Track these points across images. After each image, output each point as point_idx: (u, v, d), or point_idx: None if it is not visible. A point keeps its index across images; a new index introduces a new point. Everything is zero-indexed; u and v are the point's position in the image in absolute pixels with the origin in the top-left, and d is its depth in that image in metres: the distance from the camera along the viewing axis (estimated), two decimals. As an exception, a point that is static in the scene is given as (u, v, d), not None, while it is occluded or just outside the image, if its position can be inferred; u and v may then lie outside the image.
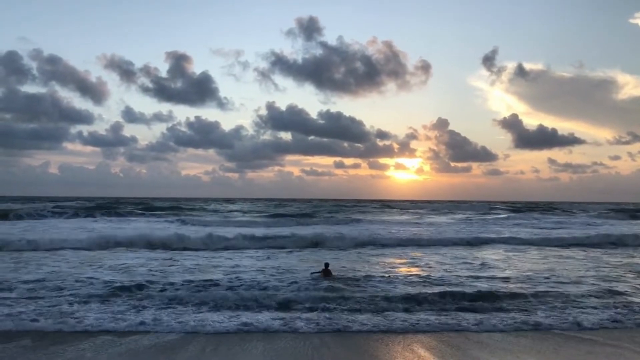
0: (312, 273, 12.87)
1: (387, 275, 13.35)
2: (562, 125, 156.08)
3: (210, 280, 12.42)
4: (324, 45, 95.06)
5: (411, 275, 13.69)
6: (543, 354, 7.55)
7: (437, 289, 11.37)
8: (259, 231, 25.79)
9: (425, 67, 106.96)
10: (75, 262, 15.68)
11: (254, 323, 8.80)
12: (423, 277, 13.22)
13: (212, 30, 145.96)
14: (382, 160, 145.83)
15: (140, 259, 16.51)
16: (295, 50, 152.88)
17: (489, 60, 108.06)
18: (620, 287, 12.23)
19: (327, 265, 12.93)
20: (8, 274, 13.26)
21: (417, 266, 15.69)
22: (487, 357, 7.35)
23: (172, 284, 11.83)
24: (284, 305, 9.95)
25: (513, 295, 10.99)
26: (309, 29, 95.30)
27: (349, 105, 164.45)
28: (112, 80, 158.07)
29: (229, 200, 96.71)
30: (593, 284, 12.44)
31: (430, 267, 15.29)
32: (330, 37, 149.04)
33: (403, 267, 15.59)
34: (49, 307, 9.70)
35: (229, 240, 21.46)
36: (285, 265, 15.36)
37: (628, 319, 9.39)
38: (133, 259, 16.48)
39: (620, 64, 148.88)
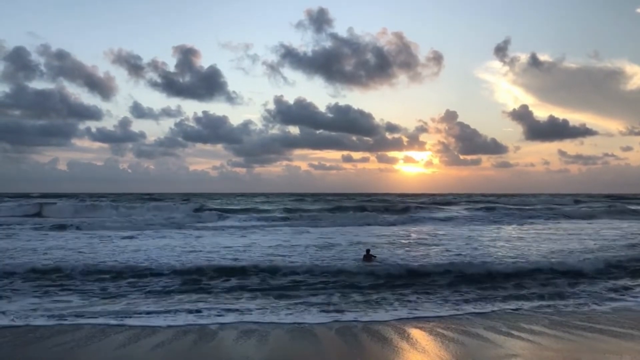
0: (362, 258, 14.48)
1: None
2: (571, 117, 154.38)
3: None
4: (334, 37, 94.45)
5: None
6: None
7: None
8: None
9: (437, 58, 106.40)
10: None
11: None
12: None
13: (221, 23, 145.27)
14: (391, 154, 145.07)
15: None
16: (305, 42, 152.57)
17: (501, 51, 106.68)
18: None
19: (368, 250, 14.77)
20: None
21: None
22: None
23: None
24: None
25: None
26: (319, 20, 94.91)
27: (358, 98, 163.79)
28: (120, 76, 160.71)
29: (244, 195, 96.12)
30: None
31: None
32: (340, 28, 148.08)
33: None
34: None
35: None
36: None
37: None
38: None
39: (628, 55, 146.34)
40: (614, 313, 9.36)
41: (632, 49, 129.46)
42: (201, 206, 42.64)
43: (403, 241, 20.99)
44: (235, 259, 14.97)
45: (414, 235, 23.65)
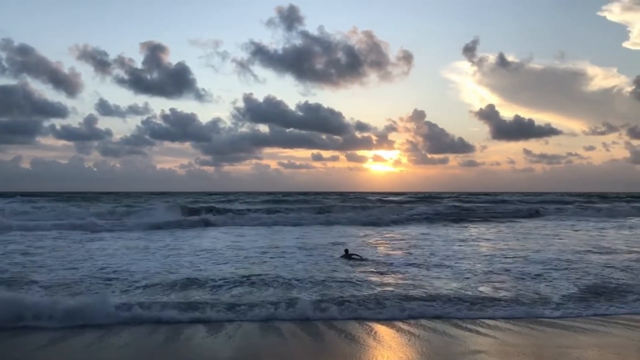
0: (341, 256, 15.76)
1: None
2: (536, 117, 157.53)
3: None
4: (304, 35, 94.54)
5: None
6: None
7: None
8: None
9: (407, 58, 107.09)
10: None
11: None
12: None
13: (189, 19, 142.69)
14: (360, 153, 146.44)
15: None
16: (275, 40, 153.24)
17: (469, 51, 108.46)
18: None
19: (346, 250, 16.09)
20: None
21: None
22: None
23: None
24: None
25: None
26: (290, 18, 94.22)
27: (329, 97, 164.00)
28: (85, 72, 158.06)
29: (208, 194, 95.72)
30: None
31: None
32: (311, 26, 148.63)
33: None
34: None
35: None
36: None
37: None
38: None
39: (589, 56, 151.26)
40: (578, 310, 9.58)
41: (593, 51, 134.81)
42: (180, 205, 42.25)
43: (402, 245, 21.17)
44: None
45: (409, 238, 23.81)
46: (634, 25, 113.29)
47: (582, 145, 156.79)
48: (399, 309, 9.24)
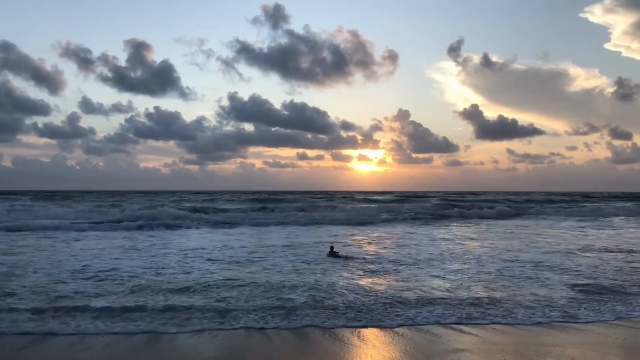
0: (327, 254, 16.19)
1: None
2: (519, 117, 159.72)
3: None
4: (290, 33, 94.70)
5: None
6: None
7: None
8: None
9: (392, 57, 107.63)
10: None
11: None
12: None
13: (174, 16, 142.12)
14: (346, 152, 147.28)
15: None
16: (260, 38, 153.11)
17: (454, 51, 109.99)
18: None
19: (332, 247, 16.64)
20: None
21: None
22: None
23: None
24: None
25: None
26: (275, 16, 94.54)
27: (314, 96, 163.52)
28: (68, 69, 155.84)
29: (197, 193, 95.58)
30: None
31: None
32: (296, 25, 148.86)
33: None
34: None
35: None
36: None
37: None
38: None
39: (571, 57, 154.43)
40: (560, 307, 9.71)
41: (575, 52, 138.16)
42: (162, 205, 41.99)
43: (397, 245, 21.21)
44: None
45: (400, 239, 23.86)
46: (615, 27, 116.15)
47: (565, 145, 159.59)
48: (393, 315, 9.00)
